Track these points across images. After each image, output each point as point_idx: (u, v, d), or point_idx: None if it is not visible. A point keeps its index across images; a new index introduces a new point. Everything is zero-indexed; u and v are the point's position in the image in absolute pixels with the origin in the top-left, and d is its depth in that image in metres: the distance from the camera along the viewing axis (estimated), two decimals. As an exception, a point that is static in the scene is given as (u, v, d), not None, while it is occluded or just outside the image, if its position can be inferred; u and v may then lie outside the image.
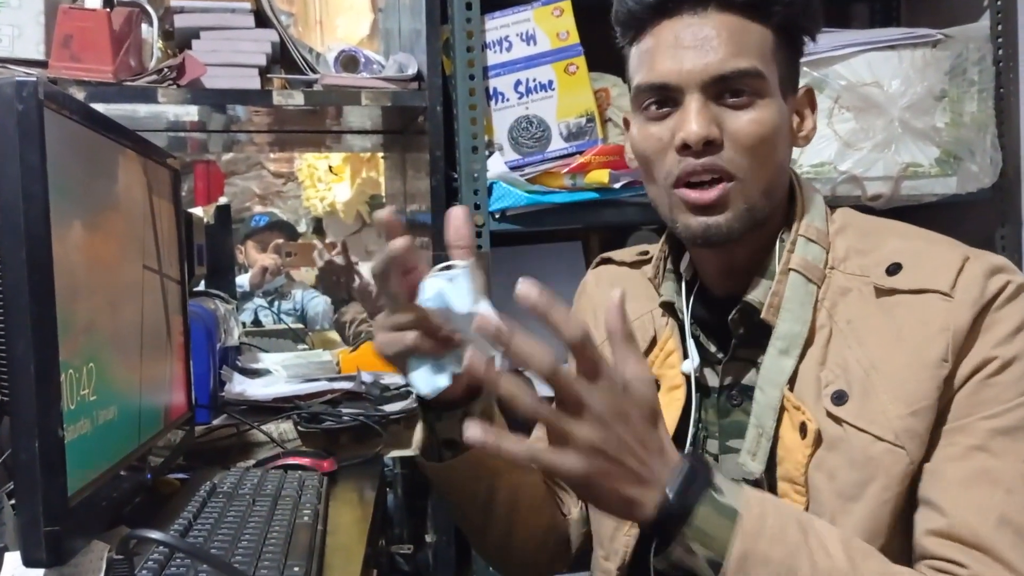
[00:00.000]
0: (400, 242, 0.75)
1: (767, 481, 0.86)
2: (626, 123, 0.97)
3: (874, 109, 1.50)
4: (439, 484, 0.98)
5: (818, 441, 0.82)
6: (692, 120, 0.83)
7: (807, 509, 0.82)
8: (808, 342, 0.86)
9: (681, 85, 0.84)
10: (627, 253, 1.08)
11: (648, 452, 0.68)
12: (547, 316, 0.66)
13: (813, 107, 0.94)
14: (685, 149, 0.84)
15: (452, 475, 0.93)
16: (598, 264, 1.12)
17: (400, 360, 0.82)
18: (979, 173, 1.56)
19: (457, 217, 0.80)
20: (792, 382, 0.86)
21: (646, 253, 1.06)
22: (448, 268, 0.78)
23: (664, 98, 0.86)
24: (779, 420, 0.85)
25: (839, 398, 0.83)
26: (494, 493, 0.95)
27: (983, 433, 0.78)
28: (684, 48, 0.84)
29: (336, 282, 2.76)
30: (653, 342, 0.98)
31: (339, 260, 2.64)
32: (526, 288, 0.66)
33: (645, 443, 0.68)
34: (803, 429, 0.83)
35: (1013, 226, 1.63)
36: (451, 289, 0.76)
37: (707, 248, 0.89)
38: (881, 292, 0.84)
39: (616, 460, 0.67)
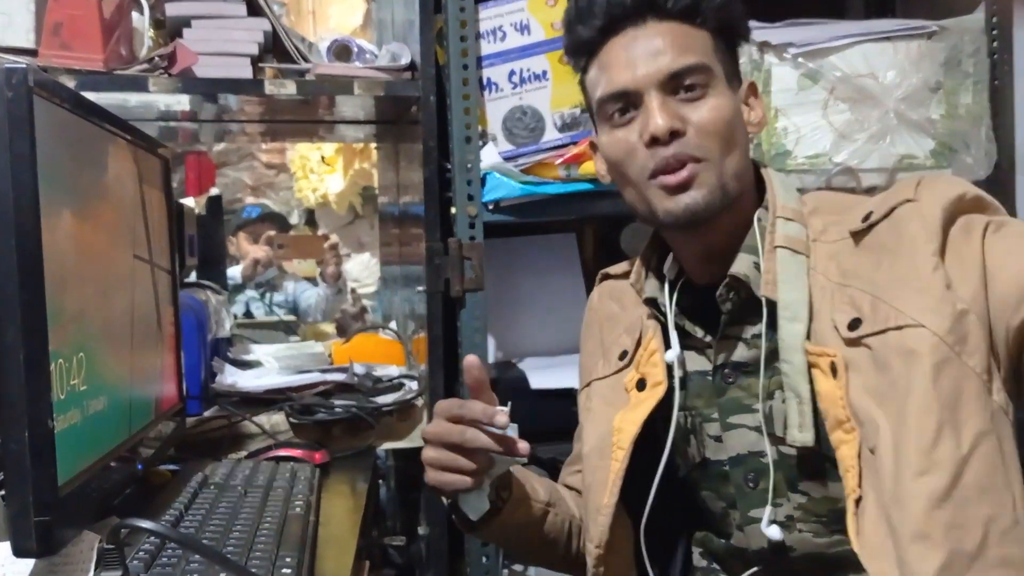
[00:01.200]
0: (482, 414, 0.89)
1: (805, 453, 0.90)
2: (592, 147, 1.05)
3: (869, 100, 1.50)
4: (481, 537, 1.12)
5: (847, 369, 0.85)
6: (656, 115, 0.90)
7: (860, 440, 0.83)
8: (811, 305, 0.90)
9: (639, 88, 0.92)
10: (620, 267, 1.15)
11: None
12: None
13: (757, 97, 1.01)
14: (654, 143, 0.91)
15: (487, 533, 1.03)
16: (600, 280, 1.18)
17: (453, 493, 0.95)
18: (974, 165, 1.55)
19: (474, 368, 0.91)
20: (810, 339, 0.89)
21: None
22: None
23: (626, 104, 0.94)
24: (811, 379, 0.88)
25: (854, 324, 0.86)
26: (528, 540, 1.06)
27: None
28: (635, 57, 0.93)
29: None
30: (639, 342, 1.03)
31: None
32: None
33: None
34: (833, 368, 0.86)
35: (1007, 218, 1.63)
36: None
37: (689, 229, 0.95)
38: (859, 235, 0.90)
39: None
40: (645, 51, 0.93)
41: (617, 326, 1.08)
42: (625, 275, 1.11)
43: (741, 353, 0.95)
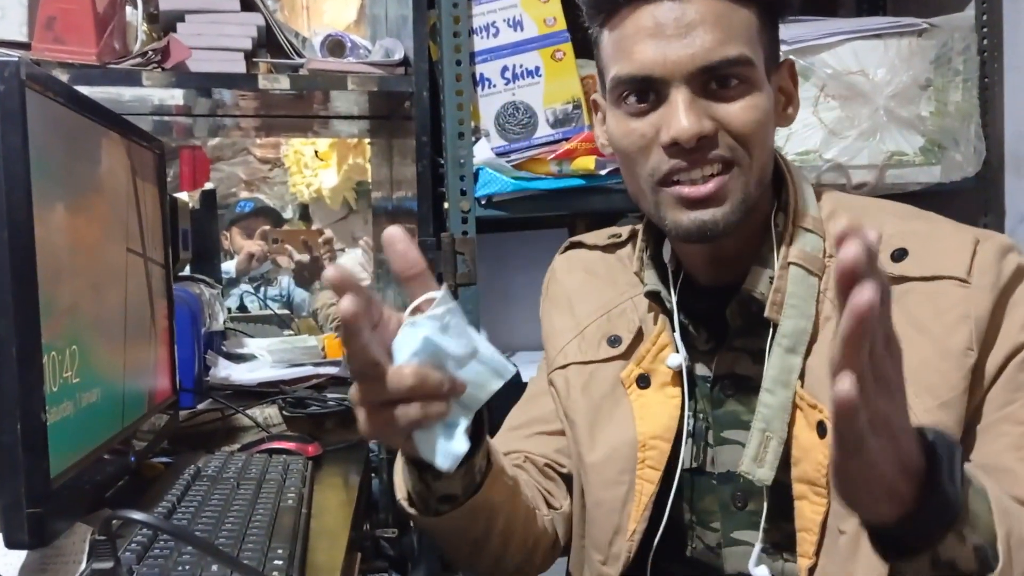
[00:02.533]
0: (350, 304, 0.60)
1: (776, 487, 0.83)
2: (595, 105, 0.93)
3: (859, 97, 1.51)
4: (431, 532, 0.91)
5: None
6: (682, 117, 0.78)
7: (827, 512, 0.79)
8: (814, 337, 0.83)
9: (666, 77, 0.79)
10: (598, 236, 1.04)
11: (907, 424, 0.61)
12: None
13: (795, 81, 0.90)
14: (674, 147, 0.79)
15: (448, 524, 0.84)
16: (567, 248, 1.06)
17: (401, 438, 0.68)
18: (963, 162, 1.56)
19: (398, 241, 0.67)
20: (801, 379, 0.82)
21: (618, 236, 1.02)
22: (417, 309, 0.66)
23: (646, 91, 0.81)
24: (792, 420, 0.82)
25: None
26: (490, 530, 0.88)
27: None
28: (667, 36, 0.78)
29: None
30: (639, 333, 0.94)
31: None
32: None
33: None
34: (821, 428, 0.79)
35: (996, 215, 1.64)
36: (443, 334, 0.64)
37: (699, 243, 0.85)
38: (890, 280, 0.82)
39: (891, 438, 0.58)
40: (679, 31, 0.78)
41: (594, 303, 0.98)
42: (607, 248, 1.02)
43: (745, 367, 0.87)
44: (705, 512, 0.90)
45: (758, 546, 0.84)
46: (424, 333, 0.64)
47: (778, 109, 0.88)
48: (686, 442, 0.89)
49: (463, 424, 0.67)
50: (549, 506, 0.98)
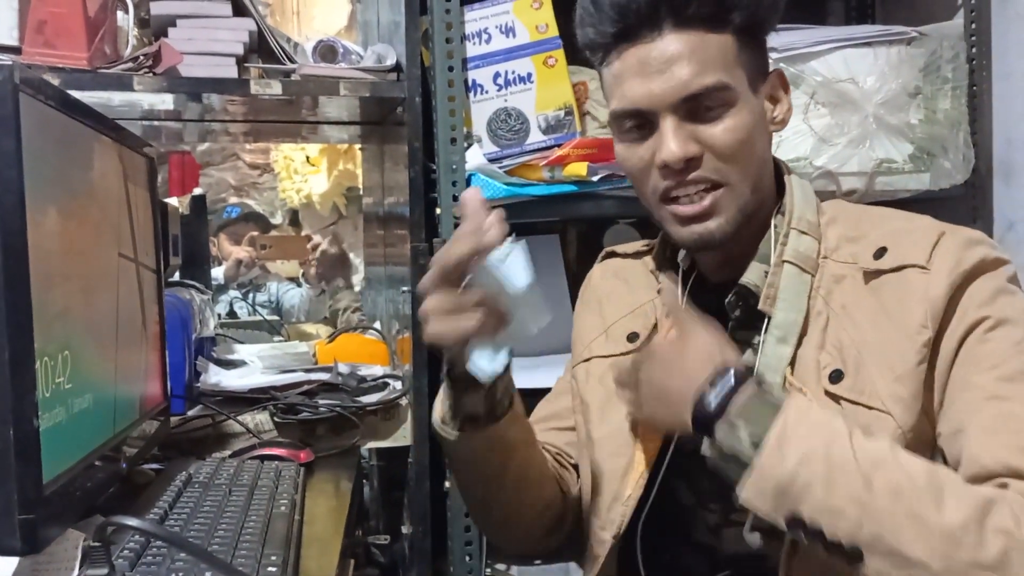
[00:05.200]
0: (494, 232, 0.79)
1: None
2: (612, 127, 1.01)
3: (849, 105, 1.52)
4: (454, 456, 1.00)
5: None
6: (670, 142, 0.87)
7: None
8: (804, 329, 0.90)
9: (653, 108, 0.88)
10: (631, 246, 1.14)
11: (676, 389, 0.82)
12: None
13: (786, 88, 0.97)
14: (666, 169, 0.89)
15: (469, 447, 0.96)
16: (604, 257, 1.16)
17: (457, 346, 0.83)
18: (952, 170, 1.58)
19: (473, 200, 0.81)
20: (793, 366, 0.90)
21: (648, 245, 1.11)
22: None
23: (640, 122, 0.90)
24: None
25: (835, 377, 0.87)
26: (506, 468, 0.97)
27: (991, 383, 0.81)
28: (650, 73, 0.88)
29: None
30: (655, 328, 1.02)
31: None
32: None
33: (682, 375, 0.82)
34: None
35: (985, 222, 1.65)
36: (505, 268, 0.79)
37: (702, 252, 0.96)
38: (869, 276, 0.89)
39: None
40: (660, 67, 0.87)
41: (621, 305, 1.07)
42: (636, 255, 1.10)
43: (747, 358, 0.93)
44: (705, 494, 0.96)
45: (752, 515, 0.89)
46: (491, 266, 0.79)
47: (769, 117, 0.95)
48: None
49: (506, 348, 0.84)
50: (561, 490, 1.06)
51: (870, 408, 0.84)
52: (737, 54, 0.89)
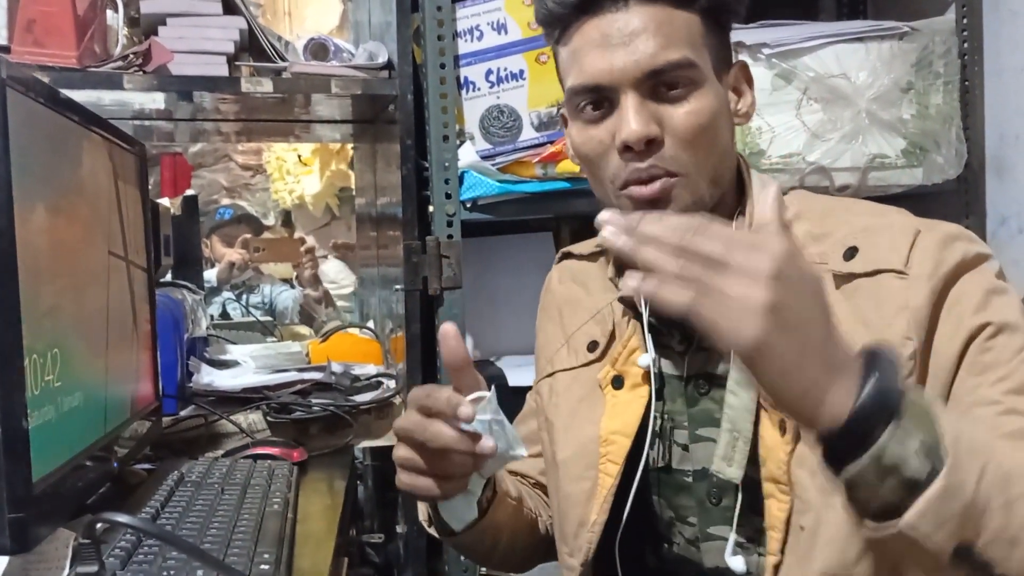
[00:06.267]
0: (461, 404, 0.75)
1: (750, 484, 0.84)
2: (563, 120, 0.96)
3: (841, 100, 1.51)
4: (449, 544, 1.07)
5: (797, 436, 0.80)
6: (631, 120, 0.82)
7: (791, 509, 0.80)
8: None
9: (614, 84, 0.83)
10: (585, 246, 1.07)
11: (832, 331, 0.60)
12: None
13: (749, 82, 0.92)
14: (627, 151, 0.83)
15: (458, 541, 0.95)
16: (560, 259, 1.10)
17: (430, 500, 0.84)
18: (944, 164, 1.58)
19: (451, 337, 0.79)
20: None
21: (602, 244, 1.04)
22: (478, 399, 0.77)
23: (599, 99, 0.85)
24: (757, 420, 0.83)
25: None
26: (497, 542, 0.98)
27: (1002, 396, 0.76)
28: (612, 46, 0.82)
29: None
30: (612, 336, 0.97)
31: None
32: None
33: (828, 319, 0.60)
34: (782, 426, 0.82)
35: (978, 217, 1.65)
36: (498, 431, 0.77)
37: None
38: (840, 279, 0.83)
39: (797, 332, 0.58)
40: (623, 40, 0.82)
41: (580, 311, 1.01)
42: (591, 256, 1.04)
43: (717, 365, 0.89)
44: (682, 508, 0.92)
45: (732, 537, 0.86)
46: (483, 426, 0.77)
47: (733, 108, 0.90)
48: (651, 441, 0.90)
49: (477, 493, 0.85)
50: (542, 524, 1.05)
51: None
52: (703, 35, 0.85)
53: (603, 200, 0.90)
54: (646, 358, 0.91)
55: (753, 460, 0.84)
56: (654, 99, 0.83)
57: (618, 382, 0.94)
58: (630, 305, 0.95)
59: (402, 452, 0.80)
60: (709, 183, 0.85)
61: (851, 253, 0.84)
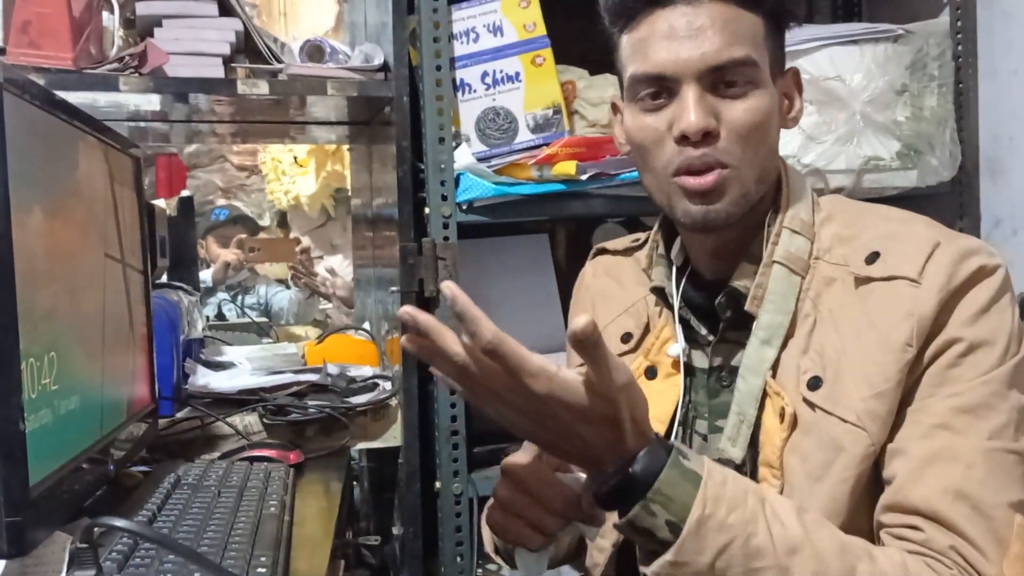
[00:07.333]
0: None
1: (749, 466, 0.88)
2: (613, 107, 1.00)
3: (836, 103, 1.52)
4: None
5: (793, 425, 0.85)
6: (691, 111, 0.85)
7: (781, 491, 0.84)
8: (790, 332, 0.88)
9: (678, 75, 0.86)
10: (620, 242, 1.12)
11: (589, 445, 0.71)
12: (463, 315, 0.69)
13: (800, 88, 0.96)
14: (684, 140, 0.86)
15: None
16: (595, 255, 1.15)
17: (513, 541, 0.84)
18: (939, 167, 1.58)
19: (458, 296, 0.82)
20: (775, 369, 0.88)
21: (638, 240, 1.09)
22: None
23: (660, 88, 0.88)
24: (762, 407, 0.88)
25: (814, 384, 0.85)
26: (555, 556, 0.99)
27: (946, 412, 0.80)
28: (679, 38, 0.86)
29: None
30: (646, 328, 1.01)
31: None
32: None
33: (582, 438, 0.71)
34: (781, 414, 0.86)
35: (972, 219, 1.66)
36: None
37: (703, 233, 0.92)
38: (859, 281, 0.86)
39: (553, 444, 0.73)
40: (691, 33, 0.86)
41: (614, 304, 1.06)
42: (626, 252, 1.09)
43: (739, 359, 0.92)
44: None
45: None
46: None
47: (782, 112, 0.94)
48: (676, 431, 0.95)
49: (550, 551, 0.85)
50: None
51: (844, 421, 0.82)
52: (765, 36, 0.89)
53: (650, 188, 0.94)
54: (676, 348, 0.96)
55: (753, 444, 0.88)
56: (713, 93, 0.87)
57: (651, 372, 0.98)
58: (662, 296, 0.99)
59: (505, 492, 0.80)
60: (756, 180, 0.89)
61: (873, 257, 0.87)
